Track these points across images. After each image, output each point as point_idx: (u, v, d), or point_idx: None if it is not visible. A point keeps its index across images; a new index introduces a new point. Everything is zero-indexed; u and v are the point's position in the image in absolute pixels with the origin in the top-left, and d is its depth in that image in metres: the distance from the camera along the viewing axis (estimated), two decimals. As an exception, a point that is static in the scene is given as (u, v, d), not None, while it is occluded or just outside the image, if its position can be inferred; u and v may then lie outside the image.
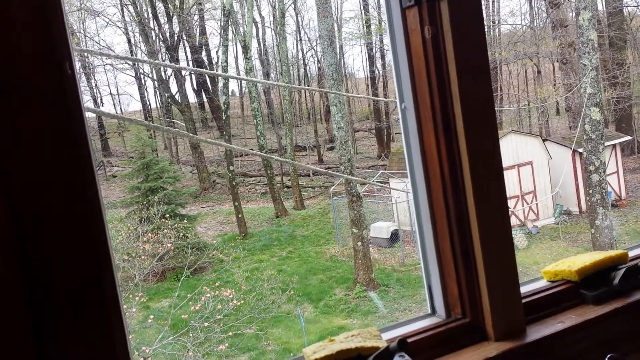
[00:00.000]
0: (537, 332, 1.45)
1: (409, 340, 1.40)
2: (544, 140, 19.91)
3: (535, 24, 30.63)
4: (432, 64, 1.40)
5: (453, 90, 1.39)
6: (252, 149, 30.59)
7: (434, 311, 1.52)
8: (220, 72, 25.63)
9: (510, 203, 18.52)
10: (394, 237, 17.60)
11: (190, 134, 15.30)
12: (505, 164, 18.12)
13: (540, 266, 14.82)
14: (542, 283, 1.64)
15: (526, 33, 29.83)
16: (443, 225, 1.45)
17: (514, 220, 18.31)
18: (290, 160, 25.25)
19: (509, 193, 18.24)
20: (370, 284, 15.21)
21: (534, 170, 19.18)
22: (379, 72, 33.88)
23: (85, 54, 27.40)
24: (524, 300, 1.49)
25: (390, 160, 22.26)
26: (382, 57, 33.73)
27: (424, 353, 1.40)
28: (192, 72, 33.79)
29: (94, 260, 1.00)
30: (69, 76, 1.01)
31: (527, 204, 18.75)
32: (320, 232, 20.68)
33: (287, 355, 12.84)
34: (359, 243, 15.37)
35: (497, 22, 30.87)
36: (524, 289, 1.56)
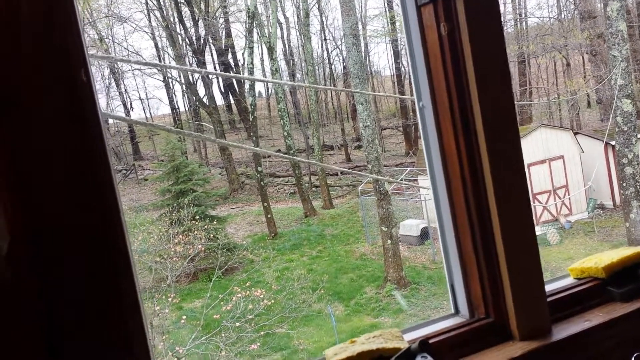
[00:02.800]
0: (563, 331, 1.42)
1: (432, 340, 1.39)
2: (575, 134, 19.52)
3: (562, 16, 30.07)
4: (449, 61, 1.38)
5: (471, 87, 1.37)
6: (279, 150, 30.71)
7: (457, 311, 1.50)
8: (246, 74, 25.77)
9: (542, 198, 18.22)
10: (424, 234, 17.48)
11: (205, 136, 15.43)
12: (535, 158, 17.84)
13: (574, 261, 14.55)
14: (569, 281, 1.61)
15: (554, 25, 29.29)
16: (464, 224, 1.43)
17: (546, 216, 18.00)
18: (317, 160, 25.27)
19: (540, 188, 18.04)
20: (400, 282, 15.14)
21: (566, 165, 18.82)
22: (405, 69, 33.66)
23: (108, 60, 27.89)
24: (549, 299, 1.46)
25: (418, 157, 22.11)
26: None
27: (447, 353, 1.39)
28: (211, 75, 34.05)
29: (111, 268, 1.01)
30: (84, 84, 1.02)
31: (560, 198, 18.41)
32: (349, 231, 20.65)
33: (320, 354, 12.82)
34: (389, 241, 15.30)
35: (524, 15, 30.38)
36: (549, 287, 1.53)
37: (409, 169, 21.97)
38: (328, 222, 22.19)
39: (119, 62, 33.76)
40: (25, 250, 0.92)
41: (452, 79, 1.38)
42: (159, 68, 33.14)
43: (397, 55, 33.60)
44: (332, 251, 19.17)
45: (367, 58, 35.71)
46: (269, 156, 31.06)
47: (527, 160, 17.35)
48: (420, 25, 1.42)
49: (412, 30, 1.45)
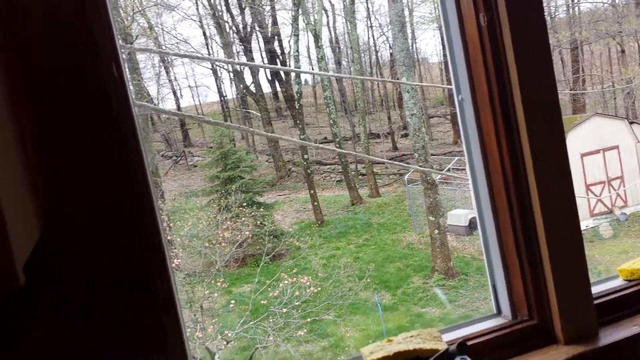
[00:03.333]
0: (611, 335, 1.35)
1: (473, 342, 1.35)
2: (630, 123, 18.74)
3: (617, 1, 28.78)
4: (489, 53, 1.32)
5: (512, 80, 1.31)
6: (325, 138, 30.73)
7: (499, 311, 1.45)
8: (292, 61, 25.80)
9: (596, 189, 17.60)
10: (472, 224, 17.18)
11: (236, 125, 15.53)
12: (589, 148, 17.24)
13: (630, 255, 14.04)
14: (618, 282, 1.53)
15: (608, 11, 28.07)
16: (506, 222, 1.38)
17: (599, 208, 17.39)
18: (364, 148, 25.16)
19: (594, 179, 17.43)
20: (448, 273, 14.96)
21: (621, 155, 18.10)
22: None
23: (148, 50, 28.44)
24: (596, 301, 1.39)
25: (466, 144, 21.63)
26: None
27: (488, 355, 1.34)
28: (243, 65, 34.23)
29: (145, 265, 1.02)
30: (115, 78, 1.02)
31: (614, 190, 17.75)
32: (396, 220, 20.51)
33: (366, 341, 12.87)
34: (436, 231, 15.12)
35: (576, 0, 29.23)
36: (597, 289, 1.46)
37: (456, 158, 21.60)
38: (375, 210, 22.09)
39: (165, 50, 34.31)
40: (57, 246, 0.93)
41: (492, 72, 1.32)
42: (206, 55, 33.53)
43: (444, 42, 32.91)
44: (378, 240, 19.09)
45: (414, 45, 35.14)
46: (315, 143, 31.11)
47: (580, 150, 16.79)
48: (459, 15, 1.36)
49: (450, 21, 1.40)
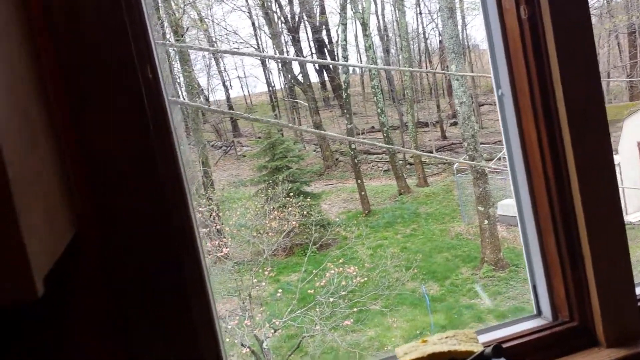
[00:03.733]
0: (657, 339, 1.30)
1: (512, 343, 1.33)
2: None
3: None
4: (530, 47, 1.28)
5: (554, 75, 1.27)
6: (372, 127, 30.58)
7: (539, 312, 1.42)
8: (339, 50, 25.71)
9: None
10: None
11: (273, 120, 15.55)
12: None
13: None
14: (666, 283, 1.47)
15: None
16: (547, 221, 1.34)
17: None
18: (412, 137, 24.90)
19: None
20: (498, 264, 14.69)
21: (680, 142, 17.28)
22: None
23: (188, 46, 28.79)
24: (642, 304, 1.34)
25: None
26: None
27: (528, 357, 1.32)
28: (286, 60, 34.24)
29: (177, 260, 1.03)
30: (149, 80, 1.04)
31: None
32: (444, 210, 20.25)
33: (414, 332, 12.81)
34: (486, 221, 14.86)
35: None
36: (640, 291, 1.41)
37: (508, 145, 21.07)
38: (422, 200, 21.86)
39: (217, 42, 34.72)
40: (93, 241, 0.96)
41: (533, 67, 1.29)
42: (256, 46, 33.77)
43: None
44: (426, 230, 18.90)
45: (464, 31, 34.41)
46: (363, 132, 30.98)
47: (637, 137, 16.10)
48: (499, 8, 1.33)
49: (490, 14, 1.36)
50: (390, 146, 22.46)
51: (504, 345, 1.29)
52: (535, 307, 1.42)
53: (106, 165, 0.98)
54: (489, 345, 1.21)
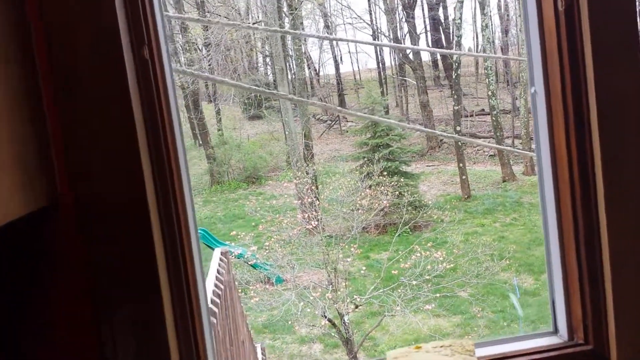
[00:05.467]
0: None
1: (520, 359, 1.24)
2: None
3: None
4: (565, 42, 1.17)
5: (588, 75, 1.14)
6: (483, 109, 29.49)
7: (556, 330, 1.32)
8: (454, 29, 24.90)
9: None
10: None
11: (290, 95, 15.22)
12: None
13: None
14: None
15: None
16: (570, 236, 1.23)
17: None
18: (524, 123, 23.76)
19: None
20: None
21: None
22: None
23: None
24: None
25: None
26: None
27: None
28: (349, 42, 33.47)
29: (150, 237, 1.03)
30: (145, 61, 1.05)
31: None
32: (549, 201, 19.23)
33: (501, 323, 12.43)
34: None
35: None
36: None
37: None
38: (527, 189, 20.92)
39: (331, 16, 34.78)
40: (69, 216, 0.99)
41: (566, 63, 1.17)
42: (369, 22, 33.51)
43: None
44: (527, 220, 18.11)
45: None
46: (472, 115, 29.99)
47: None
48: (536, -3, 1.21)
49: (528, 3, 1.25)
50: (455, 135, 21.62)
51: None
52: (552, 324, 1.32)
53: (88, 149, 1.00)
54: None
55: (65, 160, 0.97)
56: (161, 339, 1.03)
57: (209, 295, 4.60)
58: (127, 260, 1.00)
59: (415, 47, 29.43)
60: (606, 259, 1.17)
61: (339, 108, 20.91)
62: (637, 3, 1.10)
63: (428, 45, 35.07)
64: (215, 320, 4.15)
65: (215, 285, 4.86)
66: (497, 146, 17.40)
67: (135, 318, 1.02)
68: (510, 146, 24.67)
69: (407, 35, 32.00)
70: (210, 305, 4.31)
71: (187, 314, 1.09)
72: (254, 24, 30.26)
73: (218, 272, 5.21)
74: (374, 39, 34.80)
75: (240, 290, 11.81)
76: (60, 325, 1.00)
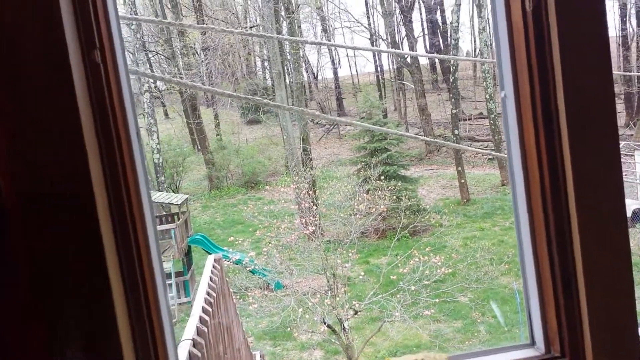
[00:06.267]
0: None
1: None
2: None
3: None
4: (533, 43, 1.12)
5: (556, 76, 1.10)
6: (481, 113, 29.48)
7: (533, 342, 1.27)
8: (450, 32, 24.90)
9: None
10: (635, 216, 15.54)
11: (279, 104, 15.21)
12: None
13: None
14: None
15: None
16: (542, 241, 1.19)
17: None
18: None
19: None
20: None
21: None
22: (632, 31, 29.61)
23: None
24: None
25: (638, 130, 19.52)
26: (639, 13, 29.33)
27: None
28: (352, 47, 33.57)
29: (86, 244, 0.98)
30: (96, 65, 1.01)
31: None
32: (548, 204, 19.18)
33: (502, 327, 12.35)
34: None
35: None
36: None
37: (624, 142, 19.52)
38: (526, 192, 20.87)
39: (329, 19, 34.81)
40: (15, 214, 0.94)
41: (535, 64, 1.13)
42: (367, 25, 33.58)
43: (623, 14, 29.64)
44: (527, 224, 18.04)
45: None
46: (469, 118, 29.98)
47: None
48: (505, -4, 1.17)
49: (496, 4, 1.20)
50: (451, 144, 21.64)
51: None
52: (529, 335, 1.27)
53: (33, 154, 0.95)
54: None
55: (8, 164, 0.93)
56: (113, 346, 0.99)
57: (201, 303, 4.56)
58: (73, 261, 0.96)
59: (411, 52, 29.45)
60: (579, 267, 1.12)
61: (331, 117, 20.84)
62: (605, 2, 1.06)
63: (426, 48, 35.11)
64: (206, 329, 4.10)
65: (207, 293, 4.81)
66: (491, 152, 17.32)
67: (84, 326, 0.98)
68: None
69: (405, 39, 32.06)
70: (202, 314, 4.26)
71: (144, 318, 1.05)
72: (251, 27, 30.28)
73: (210, 279, 5.16)
74: (372, 43, 34.84)
75: (238, 297, 11.76)
76: (7, 334, 0.96)
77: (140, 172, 1.10)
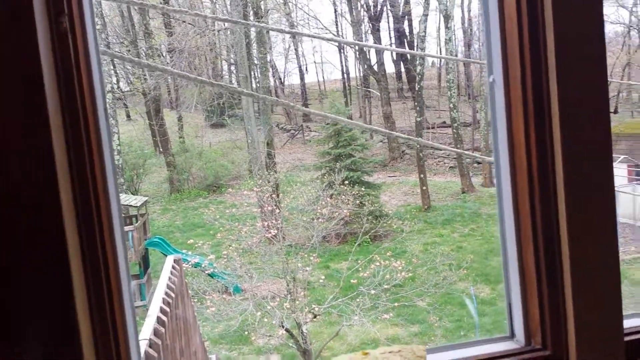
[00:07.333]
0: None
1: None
2: None
3: None
4: (526, 29, 1.10)
5: (549, 63, 1.07)
6: (444, 122, 29.89)
7: (512, 334, 1.24)
8: (417, 42, 25.21)
9: None
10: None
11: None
12: None
13: None
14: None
15: None
16: (527, 234, 1.16)
17: None
18: (484, 135, 24.18)
19: None
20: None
21: None
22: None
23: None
24: (628, 338, 1.14)
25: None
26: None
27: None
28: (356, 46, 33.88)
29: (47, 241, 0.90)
30: (63, 33, 0.93)
31: None
32: (507, 213, 19.56)
33: (457, 332, 12.49)
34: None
35: None
36: (630, 323, 1.19)
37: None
38: (486, 200, 21.25)
39: (297, 25, 34.79)
40: None
41: (527, 51, 1.10)
42: (335, 33, 33.67)
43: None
44: (485, 231, 18.36)
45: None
46: (433, 127, 30.36)
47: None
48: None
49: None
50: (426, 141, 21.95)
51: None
52: (509, 328, 1.24)
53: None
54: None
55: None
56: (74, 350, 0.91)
57: (159, 303, 4.43)
58: (36, 261, 0.88)
59: (379, 46, 29.69)
60: (565, 260, 1.10)
61: (302, 108, 20.83)
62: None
63: (392, 59, 35.46)
64: (163, 330, 3.98)
65: (166, 294, 4.69)
66: (459, 150, 17.57)
67: (46, 333, 0.89)
68: (470, 158, 25.05)
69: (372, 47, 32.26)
70: (159, 314, 4.14)
71: (108, 322, 0.97)
72: (219, 31, 30.02)
73: (169, 279, 5.04)
74: (340, 50, 34.99)
75: (196, 300, 11.55)
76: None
77: (107, 156, 1.02)
